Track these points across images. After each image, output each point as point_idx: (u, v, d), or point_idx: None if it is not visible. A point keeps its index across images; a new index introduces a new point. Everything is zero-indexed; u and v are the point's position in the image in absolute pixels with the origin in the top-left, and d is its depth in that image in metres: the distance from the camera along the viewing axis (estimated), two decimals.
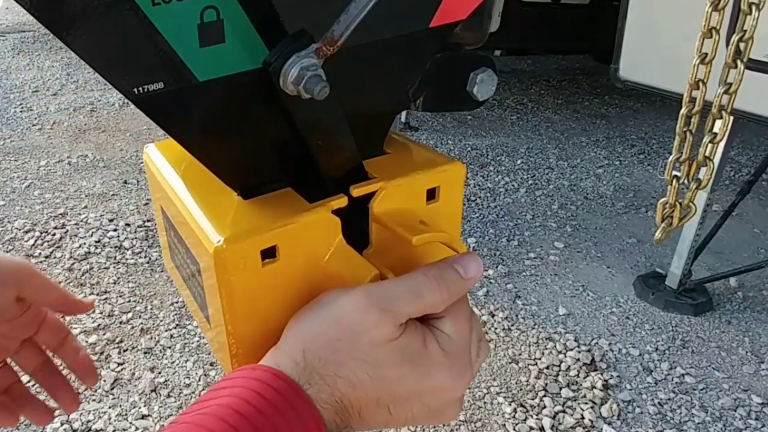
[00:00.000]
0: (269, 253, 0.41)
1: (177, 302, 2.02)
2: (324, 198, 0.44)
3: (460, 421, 1.61)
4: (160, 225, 0.56)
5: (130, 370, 1.75)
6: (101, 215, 2.52)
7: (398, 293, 0.40)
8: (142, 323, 1.93)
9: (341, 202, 0.44)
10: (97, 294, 2.06)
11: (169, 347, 1.83)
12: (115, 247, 2.32)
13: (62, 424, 1.53)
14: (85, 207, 2.61)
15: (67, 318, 1.92)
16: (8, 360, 0.57)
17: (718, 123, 0.90)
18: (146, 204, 2.64)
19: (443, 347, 0.41)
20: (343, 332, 0.39)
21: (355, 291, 0.40)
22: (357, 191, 0.45)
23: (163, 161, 0.52)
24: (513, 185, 2.94)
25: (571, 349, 1.87)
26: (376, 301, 0.39)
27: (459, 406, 0.43)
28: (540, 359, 1.84)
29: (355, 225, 0.46)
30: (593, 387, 1.73)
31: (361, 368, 0.38)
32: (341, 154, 0.45)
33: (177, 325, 1.93)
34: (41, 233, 2.38)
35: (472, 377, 0.42)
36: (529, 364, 1.82)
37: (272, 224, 0.41)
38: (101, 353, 1.80)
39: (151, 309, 2.00)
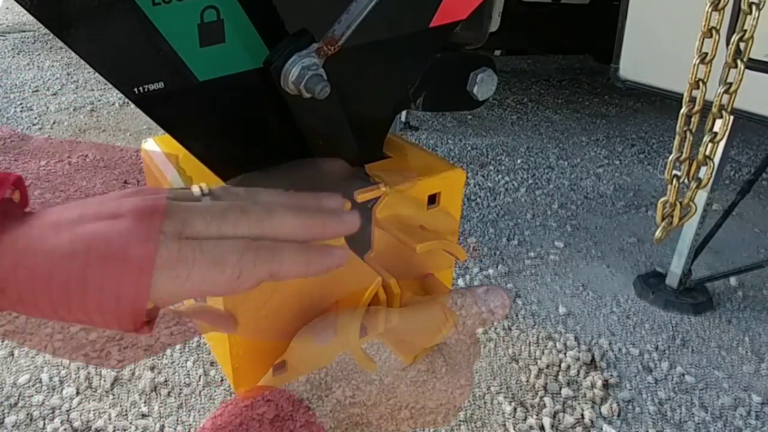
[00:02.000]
0: None
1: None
2: None
3: (460, 420, 1.61)
4: None
5: (131, 368, 1.75)
6: None
7: (416, 329, 0.41)
8: None
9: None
10: None
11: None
12: None
13: (62, 423, 1.52)
14: None
15: None
16: None
17: (719, 122, 0.90)
18: None
19: (448, 362, 0.42)
20: (341, 359, 0.40)
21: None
22: (361, 197, 0.45)
23: (162, 156, 0.52)
24: (513, 185, 2.94)
25: (571, 349, 1.87)
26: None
27: (459, 411, 0.45)
28: (540, 358, 1.83)
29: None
30: (593, 386, 1.73)
31: (364, 393, 0.40)
32: (342, 154, 0.45)
33: (177, 324, 1.93)
34: None
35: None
36: (529, 364, 1.81)
37: None
38: (101, 350, 1.80)
39: None
